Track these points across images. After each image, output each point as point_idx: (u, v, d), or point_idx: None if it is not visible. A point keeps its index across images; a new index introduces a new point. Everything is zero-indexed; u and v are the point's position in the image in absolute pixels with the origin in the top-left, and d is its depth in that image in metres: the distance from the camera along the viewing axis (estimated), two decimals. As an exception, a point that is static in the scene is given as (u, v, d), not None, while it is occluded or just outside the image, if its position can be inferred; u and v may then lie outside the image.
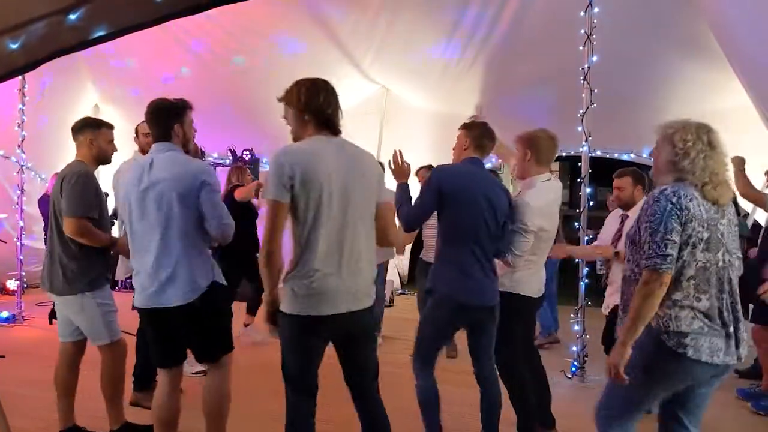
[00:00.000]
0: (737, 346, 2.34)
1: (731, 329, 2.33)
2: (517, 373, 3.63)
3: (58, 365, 3.72)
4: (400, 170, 3.50)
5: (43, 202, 6.83)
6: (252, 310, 6.10)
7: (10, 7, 2.07)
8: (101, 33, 2.05)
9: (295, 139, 2.77)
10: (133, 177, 3.00)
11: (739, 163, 4.49)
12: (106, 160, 3.70)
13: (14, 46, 2.14)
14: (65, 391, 3.75)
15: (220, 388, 3.17)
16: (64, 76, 8.28)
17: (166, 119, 3.08)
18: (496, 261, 3.44)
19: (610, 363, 2.37)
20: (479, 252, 3.28)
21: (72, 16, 2.02)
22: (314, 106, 2.68)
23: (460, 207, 3.26)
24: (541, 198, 3.44)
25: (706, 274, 2.30)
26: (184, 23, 6.72)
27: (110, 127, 3.72)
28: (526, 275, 3.52)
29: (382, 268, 6.14)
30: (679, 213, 2.25)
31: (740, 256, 2.45)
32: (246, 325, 6.03)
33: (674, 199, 2.27)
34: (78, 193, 3.42)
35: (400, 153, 3.54)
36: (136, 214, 2.97)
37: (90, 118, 3.80)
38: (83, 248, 3.50)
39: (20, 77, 6.99)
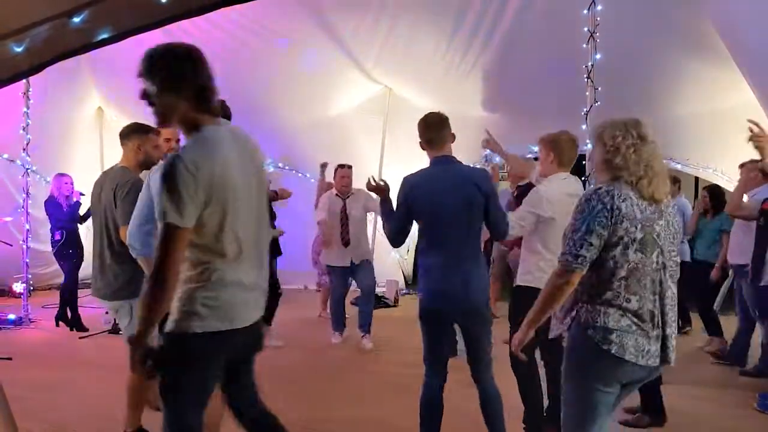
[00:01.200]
0: (665, 350, 2.31)
1: (661, 332, 2.30)
2: (524, 365, 3.63)
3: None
4: (377, 189, 3.48)
5: (50, 204, 6.85)
6: (267, 321, 5.84)
7: (14, 11, 2.07)
8: (105, 36, 2.06)
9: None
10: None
11: (748, 170, 4.47)
12: (151, 165, 3.72)
13: (19, 50, 2.15)
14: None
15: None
16: (68, 79, 8.31)
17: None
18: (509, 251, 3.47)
19: (514, 341, 2.50)
20: (452, 255, 3.22)
21: (76, 19, 2.03)
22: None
23: (426, 215, 3.24)
24: (553, 190, 3.51)
25: (638, 275, 2.26)
26: (183, 23, 6.73)
27: (157, 132, 3.74)
28: (543, 269, 3.49)
29: (371, 265, 6.19)
30: (608, 214, 2.22)
31: (677, 259, 2.40)
32: None
33: (606, 199, 2.24)
34: (133, 201, 3.42)
35: (372, 177, 3.60)
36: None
37: (138, 124, 3.79)
38: (129, 256, 3.48)
39: (24, 80, 7.01)
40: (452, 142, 3.39)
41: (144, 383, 3.63)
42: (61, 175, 6.98)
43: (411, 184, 3.27)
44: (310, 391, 4.73)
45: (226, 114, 3.04)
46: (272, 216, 5.83)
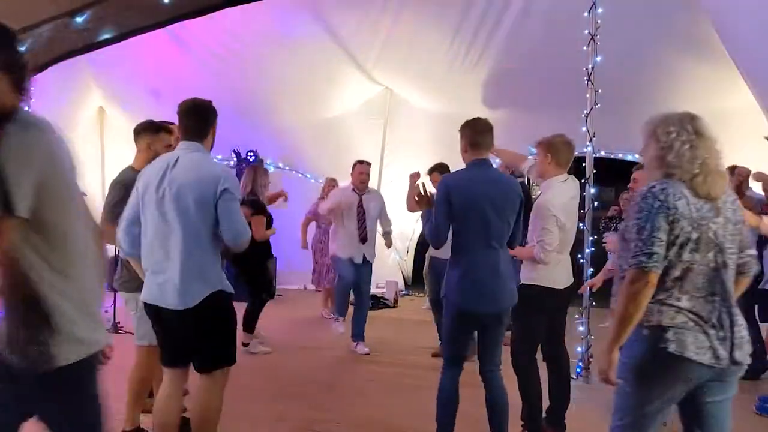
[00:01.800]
0: (732, 350, 2.17)
1: (724, 333, 2.18)
2: (525, 363, 3.69)
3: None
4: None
5: None
6: (249, 327, 5.75)
7: (18, 11, 2.08)
8: (107, 36, 2.07)
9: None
10: (155, 171, 2.97)
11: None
12: None
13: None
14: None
15: (206, 403, 3.03)
16: (69, 79, 8.31)
17: (206, 118, 3.09)
18: (526, 255, 3.62)
19: (599, 368, 2.29)
20: (490, 257, 3.31)
21: (78, 20, 2.04)
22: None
23: (466, 215, 3.29)
24: (555, 195, 3.65)
25: (691, 275, 2.18)
26: (184, 23, 6.74)
27: (169, 132, 3.78)
28: (552, 268, 3.65)
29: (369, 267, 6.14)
30: (666, 211, 2.14)
31: (749, 253, 2.31)
32: (245, 345, 5.65)
33: (662, 197, 2.16)
34: (115, 199, 3.47)
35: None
36: (151, 209, 2.93)
37: (150, 121, 3.83)
38: None
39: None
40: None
41: (145, 383, 3.64)
42: None
43: (451, 184, 3.36)
44: (311, 392, 4.73)
45: (207, 115, 3.10)
46: (269, 219, 5.81)
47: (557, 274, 3.70)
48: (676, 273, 2.18)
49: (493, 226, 3.28)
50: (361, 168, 6.16)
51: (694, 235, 2.16)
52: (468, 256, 3.32)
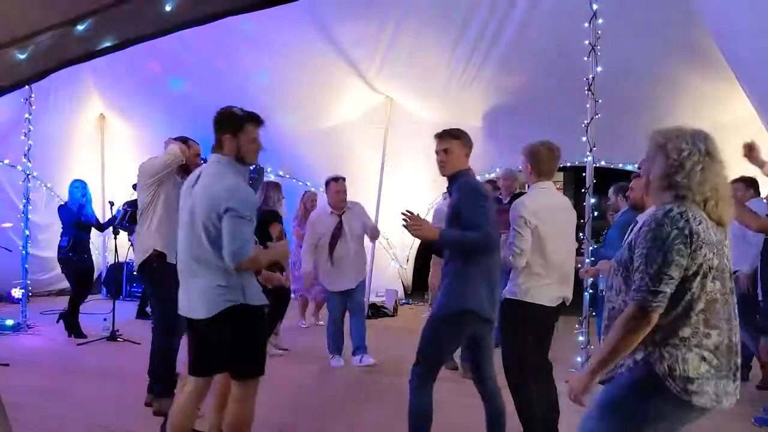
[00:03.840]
0: (736, 379, 2.08)
1: (736, 362, 2.07)
2: (523, 383, 3.62)
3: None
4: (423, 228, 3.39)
5: (63, 210, 6.89)
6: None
7: (18, 19, 2.08)
8: (108, 44, 2.06)
9: None
10: (187, 185, 3.13)
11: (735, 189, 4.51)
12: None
13: (22, 57, 2.15)
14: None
15: (239, 412, 3.08)
16: (70, 86, 8.34)
17: (217, 128, 3.12)
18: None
19: (572, 388, 2.14)
20: (498, 262, 3.42)
21: (79, 27, 2.04)
22: None
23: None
24: (537, 200, 3.57)
25: (716, 306, 2.01)
26: (184, 31, 6.76)
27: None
28: (537, 284, 3.55)
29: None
30: (686, 241, 1.94)
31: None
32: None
33: (681, 224, 1.95)
34: None
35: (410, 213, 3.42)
36: (182, 222, 3.08)
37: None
38: None
39: (27, 87, 7.03)
40: None
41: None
42: (77, 181, 7.01)
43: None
44: (311, 402, 4.72)
45: (217, 124, 3.13)
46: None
47: (549, 291, 3.57)
48: (701, 305, 2.00)
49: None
50: (337, 186, 5.65)
51: (715, 262, 2.00)
52: (485, 260, 3.31)
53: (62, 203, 7.08)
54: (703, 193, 2.03)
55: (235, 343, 3.02)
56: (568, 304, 3.73)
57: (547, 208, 3.58)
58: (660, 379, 1.99)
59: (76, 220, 6.76)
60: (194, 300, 3.01)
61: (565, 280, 3.66)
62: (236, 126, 3.07)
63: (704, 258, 1.97)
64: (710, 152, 2.05)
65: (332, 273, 5.72)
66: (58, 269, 7.32)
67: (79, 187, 6.89)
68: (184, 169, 4.18)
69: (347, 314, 5.91)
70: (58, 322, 6.81)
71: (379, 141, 8.96)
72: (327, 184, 5.79)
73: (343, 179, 5.77)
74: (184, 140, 4.39)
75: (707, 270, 1.99)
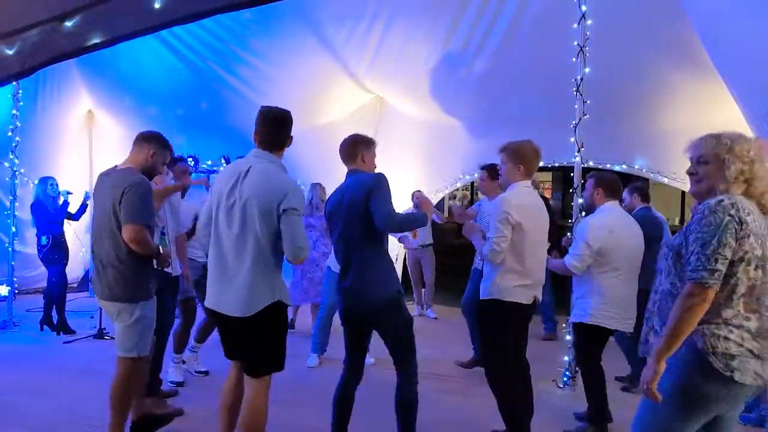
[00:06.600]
0: None
1: None
2: (507, 382, 3.63)
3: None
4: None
5: (35, 208, 6.80)
6: None
7: (6, 14, 2.07)
8: (97, 40, 2.07)
9: None
10: (226, 179, 3.08)
11: None
12: (151, 175, 3.73)
13: (10, 53, 2.14)
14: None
15: (255, 401, 3.13)
16: (58, 82, 8.28)
17: (283, 130, 3.13)
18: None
19: (643, 379, 2.24)
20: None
21: (68, 24, 2.03)
22: None
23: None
24: (521, 198, 3.58)
25: (756, 292, 2.20)
26: (174, 28, 6.72)
27: (171, 151, 3.85)
28: (513, 282, 3.54)
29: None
30: (736, 227, 2.15)
31: None
32: None
33: (732, 212, 2.16)
34: (139, 200, 3.41)
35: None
36: (222, 216, 3.04)
37: (158, 133, 3.75)
38: (134, 257, 3.45)
39: (14, 82, 6.98)
40: None
41: (128, 393, 3.58)
42: (46, 178, 6.94)
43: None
44: (309, 401, 4.73)
45: (285, 127, 3.18)
46: None
47: (525, 290, 3.57)
48: (742, 290, 2.19)
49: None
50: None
51: (759, 252, 2.19)
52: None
53: (33, 201, 6.95)
54: (764, 187, 2.26)
55: (265, 339, 3.08)
56: (538, 304, 3.73)
57: (529, 205, 3.61)
58: (702, 355, 2.17)
59: (56, 215, 6.73)
60: (230, 297, 3.01)
61: (539, 278, 3.67)
62: (291, 130, 3.22)
63: (750, 246, 2.17)
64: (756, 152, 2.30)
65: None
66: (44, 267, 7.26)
67: (46, 183, 6.82)
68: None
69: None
70: (42, 329, 6.74)
71: (369, 139, 8.91)
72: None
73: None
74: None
75: (752, 258, 2.18)
